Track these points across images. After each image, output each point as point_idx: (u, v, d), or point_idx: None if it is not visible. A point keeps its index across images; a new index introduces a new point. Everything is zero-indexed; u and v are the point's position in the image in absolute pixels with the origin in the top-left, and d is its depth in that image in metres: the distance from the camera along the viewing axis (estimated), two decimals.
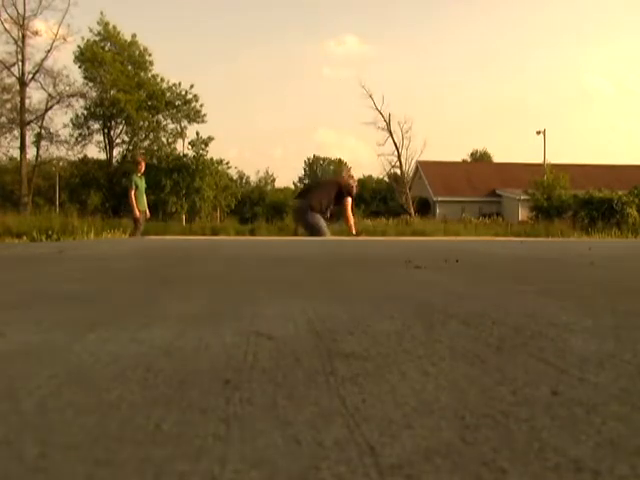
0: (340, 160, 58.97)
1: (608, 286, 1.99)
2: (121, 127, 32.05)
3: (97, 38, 31.10)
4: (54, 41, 27.44)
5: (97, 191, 31.51)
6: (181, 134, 32.01)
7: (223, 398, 0.68)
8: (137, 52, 32.31)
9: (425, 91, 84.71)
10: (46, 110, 27.95)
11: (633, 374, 0.79)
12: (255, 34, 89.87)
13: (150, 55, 32.62)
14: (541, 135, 30.91)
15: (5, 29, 26.49)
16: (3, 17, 26.34)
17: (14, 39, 26.85)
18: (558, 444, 0.54)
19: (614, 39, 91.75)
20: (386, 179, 36.03)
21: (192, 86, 31.90)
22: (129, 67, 31.75)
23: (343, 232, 8.96)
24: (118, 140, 32.12)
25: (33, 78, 27.36)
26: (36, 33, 27.47)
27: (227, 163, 31.26)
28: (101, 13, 32.08)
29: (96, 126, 31.41)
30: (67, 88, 28.32)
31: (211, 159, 29.64)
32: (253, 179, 52.14)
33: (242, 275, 2.42)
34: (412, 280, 2.12)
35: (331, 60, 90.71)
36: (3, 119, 27.22)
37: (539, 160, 30.64)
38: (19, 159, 27.70)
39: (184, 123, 32.18)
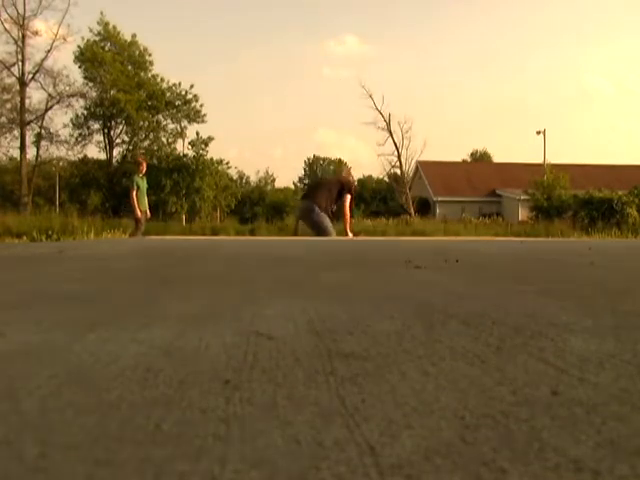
0: (340, 160, 58.94)
1: (608, 286, 1.99)
2: (121, 127, 32.07)
3: (97, 38, 31.11)
4: (54, 41, 27.46)
5: (97, 191, 31.52)
6: (181, 134, 32.02)
7: (223, 398, 0.68)
8: (137, 52, 32.32)
9: (425, 91, 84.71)
10: (46, 110, 27.96)
11: (633, 374, 0.79)
12: (255, 34, 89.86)
13: (150, 55, 32.64)
14: (541, 135, 30.92)
15: (5, 29, 26.52)
16: (3, 17, 26.37)
17: (14, 39, 26.87)
18: (558, 444, 0.54)
19: (614, 39, 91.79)
20: (386, 179, 36.05)
21: (192, 86, 31.93)
22: (129, 67, 31.75)
23: (341, 232, 8.97)
24: (118, 140, 32.14)
25: (33, 78, 27.38)
26: (36, 33, 27.49)
27: (227, 163, 31.29)
28: (101, 13, 32.10)
29: (96, 126, 31.43)
30: (67, 88, 28.34)
31: (211, 159, 29.65)
32: (253, 179, 52.17)
33: (242, 275, 2.42)
34: (412, 280, 2.12)
35: (331, 60, 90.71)
36: (3, 119, 27.24)
37: (539, 160, 30.65)
38: (19, 159, 27.70)
39: (184, 123, 32.21)
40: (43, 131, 28.60)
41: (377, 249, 4.74)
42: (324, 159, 63.35)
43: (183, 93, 32.08)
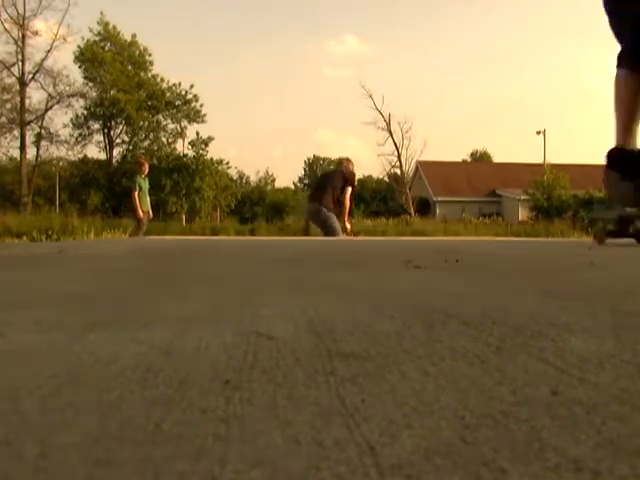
0: (340, 160, 58.92)
1: (608, 286, 1.99)
2: (121, 127, 32.10)
3: (97, 38, 31.12)
4: (54, 41, 27.51)
5: (97, 191, 31.52)
6: (181, 134, 32.05)
7: (223, 398, 0.68)
8: (137, 52, 32.32)
9: (425, 91, 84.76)
10: (46, 110, 27.99)
11: (633, 374, 0.79)
12: (255, 34, 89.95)
13: (150, 55, 32.67)
14: (541, 135, 30.94)
15: (5, 29, 26.58)
16: (3, 17, 26.41)
17: (14, 39, 26.91)
18: (558, 444, 0.54)
19: (614, 39, 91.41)
20: (386, 179, 36.07)
21: (192, 86, 31.93)
22: (129, 67, 31.75)
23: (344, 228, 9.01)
24: (118, 140, 32.18)
25: (33, 78, 27.40)
26: (36, 33, 27.54)
27: (227, 163, 31.35)
28: (101, 13, 32.15)
29: (96, 126, 31.45)
30: (67, 88, 28.39)
31: (211, 159, 29.66)
32: (253, 179, 52.22)
33: (242, 275, 2.42)
34: (412, 280, 2.12)
35: (331, 60, 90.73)
36: (3, 119, 27.27)
37: (539, 160, 30.66)
38: (19, 159, 27.71)
39: (184, 123, 32.25)
40: (43, 131, 28.66)
41: (377, 249, 4.74)
42: (324, 159, 63.40)
43: (183, 93, 32.12)
